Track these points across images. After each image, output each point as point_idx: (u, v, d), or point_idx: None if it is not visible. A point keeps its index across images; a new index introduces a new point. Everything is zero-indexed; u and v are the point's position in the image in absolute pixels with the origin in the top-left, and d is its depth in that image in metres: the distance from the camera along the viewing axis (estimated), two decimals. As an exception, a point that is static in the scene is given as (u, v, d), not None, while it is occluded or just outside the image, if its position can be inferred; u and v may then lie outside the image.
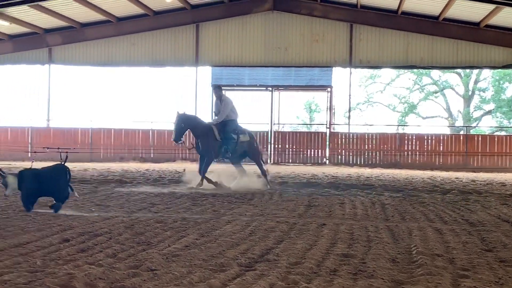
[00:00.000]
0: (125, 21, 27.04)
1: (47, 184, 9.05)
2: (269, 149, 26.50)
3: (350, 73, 27.41)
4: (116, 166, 22.09)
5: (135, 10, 26.00)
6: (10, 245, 6.06)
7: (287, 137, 27.02)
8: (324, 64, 26.69)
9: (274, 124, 27.34)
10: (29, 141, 26.96)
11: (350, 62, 26.62)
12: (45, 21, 25.86)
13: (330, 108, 27.22)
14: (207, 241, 6.57)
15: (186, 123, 14.00)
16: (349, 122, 28.05)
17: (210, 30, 27.19)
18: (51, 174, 9.17)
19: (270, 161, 26.15)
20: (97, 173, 17.62)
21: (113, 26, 27.07)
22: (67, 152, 9.85)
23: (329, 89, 27.13)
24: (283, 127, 30.45)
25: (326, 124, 27.25)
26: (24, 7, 22.81)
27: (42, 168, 9.51)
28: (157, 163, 24.82)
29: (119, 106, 29.53)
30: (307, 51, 26.76)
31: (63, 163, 9.31)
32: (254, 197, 11.63)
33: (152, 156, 26.56)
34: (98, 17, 26.24)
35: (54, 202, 9.09)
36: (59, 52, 27.92)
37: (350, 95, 27.99)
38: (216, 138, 13.89)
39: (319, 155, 26.50)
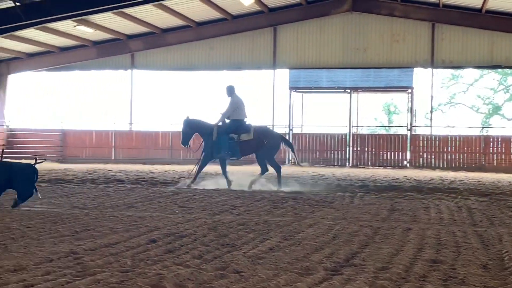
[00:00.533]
0: (205, 25, 27.47)
1: (15, 179, 9.50)
2: (347, 152, 26.23)
3: (432, 73, 26.75)
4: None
5: (214, 14, 26.37)
6: (101, 245, 6.26)
7: (366, 140, 26.65)
8: (405, 65, 26.16)
9: (352, 126, 27.01)
10: (113, 144, 27.83)
11: (432, 62, 25.97)
12: (128, 27, 26.62)
13: (411, 109, 26.64)
14: (291, 244, 6.54)
15: (191, 127, 14.63)
16: (431, 124, 27.37)
17: (287, 33, 27.22)
18: (21, 171, 9.62)
19: (349, 164, 25.90)
20: (178, 175, 17.95)
21: (192, 31, 27.56)
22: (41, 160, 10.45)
23: (409, 90, 26.56)
24: (361, 129, 30.08)
25: (407, 126, 26.68)
26: (108, 14, 23.54)
27: (14, 162, 10.05)
28: (234, 166, 24.98)
29: (197, 109, 29.99)
30: (386, 51, 26.32)
31: (34, 164, 9.78)
32: (334, 200, 11.52)
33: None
34: (179, 22, 26.78)
35: (16, 198, 9.54)
36: (141, 57, 28.70)
37: (432, 96, 27.32)
38: (212, 139, 14.32)
39: (399, 157, 25.97)
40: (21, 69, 29.35)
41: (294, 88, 27.31)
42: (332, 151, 26.37)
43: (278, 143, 14.88)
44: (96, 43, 28.24)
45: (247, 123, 14.69)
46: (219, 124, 14.50)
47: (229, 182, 14.31)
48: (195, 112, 29.37)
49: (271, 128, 15.41)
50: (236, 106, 14.45)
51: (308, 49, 27.03)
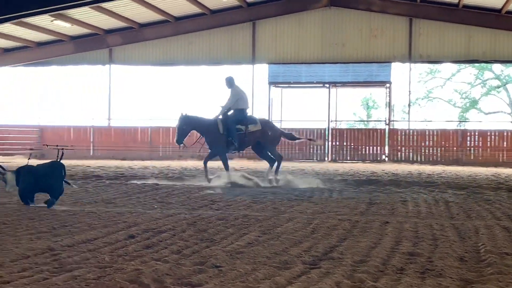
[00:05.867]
0: (183, 20, 27.36)
1: (42, 180, 9.36)
2: (326, 147, 26.33)
3: (410, 68, 26.93)
4: (175, 164, 22.39)
5: (193, 9, 26.27)
6: (79, 241, 6.21)
7: (344, 134, 26.76)
8: (383, 60, 26.32)
9: (331, 121, 27.11)
10: (91, 140, 27.61)
11: (410, 57, 26.16)
12: (106, 22, 26.43)
13: (389, 104, 26.80)
14: (270, 239, 6.55)
15: (189, 124, 14.08)
16: (408, 118, 27.57)
17: (266, 28, 27.23)
18: (47, 171, 9.48)
19: (328, 159, 26.01)
20: (157, 171, 17.89)
21: (171, 25, 27.44)
22: (63, 149, 10.20)
23: (387, 85, 26.73)
24: (340, 124, 30.20)
25: (385, 121, 26.85)
26: (85, 9, 23.34)
27: (38, 165, 9.84)
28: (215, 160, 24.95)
29: (177, 104, 29.89)
30: (365, 46, 26.46)
31: (58, 160, 9.57)
32: (313, 194, 11.56)
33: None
34: (157, 17, 26.64)
35: (49, 198, 9.38)
36: (119, 52, 28.52)
37: (409, 90, 27.51)
38: (220, 132, 13.90)
39: (378, 152, 26.12)
40: (-3, 64, 29.03)
41: (273, 83, 27.34)
42: (312, 146, 26.45)
43: (277, 134, 14.66)
44: (74, 38, 27.99)
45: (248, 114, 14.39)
46: (220, 117, 14.05)
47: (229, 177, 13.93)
48: (175, 107, 29.33)
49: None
50: (238, 97, 14.06)
51: (287, 44, 27.07)
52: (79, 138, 27.82)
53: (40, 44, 28.17)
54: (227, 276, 4.81)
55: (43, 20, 24.26)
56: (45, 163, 9.88)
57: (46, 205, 9.20)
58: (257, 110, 27.66)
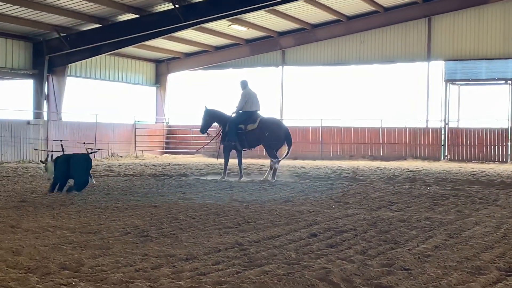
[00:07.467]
0: (355, 19, 27.16)
1: (72, 169, 10.42)
2: (508, 147, 24.67)
3: None
4: (346, 164, 22.31)
5: (366, 7, 25.98)
6: (264, 237, 6.38)
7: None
8: None
9: (514, 120, 25.33)
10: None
11: None
12: (279, 24, 27.00)
13: None
14: (458, 243, 6.25)
15: (211, 117, 15.43)
16: None
17: (443, 23, 26.15)
18: (77, 161, 10.50)
19: (510, 160, 24.38)
20: (330, 171, 17.93)
21: (343, 25, 27.35)
22: (99, 149, 12.12)
23: None
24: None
25: None
26: (260, 12, 24.01)
27: (73, 154, 10.88)
28: (387, 161, 24.56)
29: (348, 104, 29.68)
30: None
31: (89, 153, 10.79)
32: (499, 197, 10.88)
33: (381, 154, 26.36)
34: (329, 17, 26.70)
35: (72, 185, 10.49)
36: (291, 53, 29.01)
37: None
38: (226, 130, 15.10)
39: None
40: (179, 68, 30.87)
41: (450, 80, 26.19)
42: (492, 146, 24.97)
43: (278, 136, 15.03)
44: (249, 41, 28.95)
45: (257, 114, 15.20)
46: (232, 115, 15.27)
47: (224, 175, 15.05)
48: (347, 107, 29.24)
49: (281, 121, 15.70)
50: (246, 99, 15.08)
51: (466, 40, 25.79)
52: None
53: (218, 48, 29.51)
54: (418, 279, 4.66)
55: (221, 25, 25.37)
56: (78, 154, 10.91)
57: (67, 192, 10.27)
58: (432, 109, 26.68)
